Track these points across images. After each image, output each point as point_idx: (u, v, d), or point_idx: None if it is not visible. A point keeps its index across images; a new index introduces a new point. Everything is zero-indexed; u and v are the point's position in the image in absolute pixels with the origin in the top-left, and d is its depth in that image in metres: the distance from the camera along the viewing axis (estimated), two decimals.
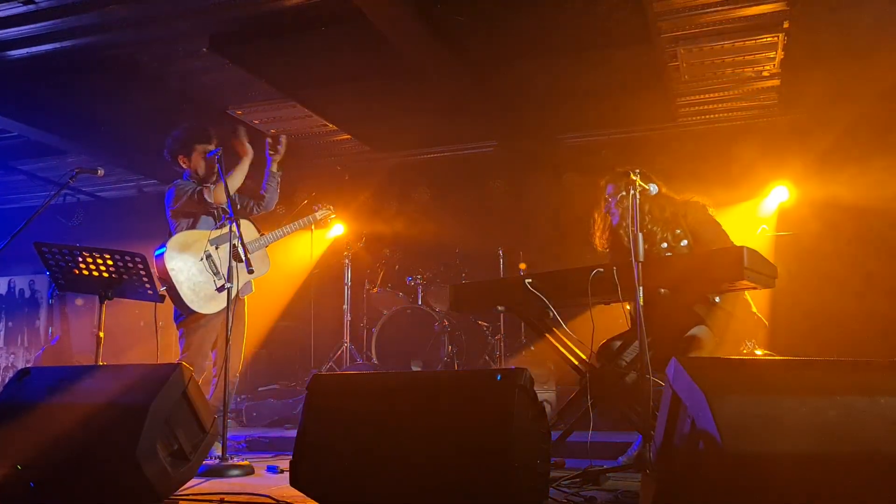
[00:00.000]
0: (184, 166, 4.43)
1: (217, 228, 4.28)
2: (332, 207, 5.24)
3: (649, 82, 6.18)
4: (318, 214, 5.12)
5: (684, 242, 3.75)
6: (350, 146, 7.84)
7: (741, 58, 5.77)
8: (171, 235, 4.27)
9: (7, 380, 8.79)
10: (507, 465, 2.26)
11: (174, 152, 4.44)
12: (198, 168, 4.38)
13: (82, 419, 2.84)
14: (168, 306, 4.23)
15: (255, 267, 3.93)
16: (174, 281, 4.08)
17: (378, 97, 6.54)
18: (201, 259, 4.20)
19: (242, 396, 6.63)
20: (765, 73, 6.08)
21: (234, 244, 3.89)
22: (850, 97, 6.38)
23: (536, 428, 2.48)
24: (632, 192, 3.20)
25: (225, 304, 3.93)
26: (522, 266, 6.69)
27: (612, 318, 4.11)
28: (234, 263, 3.90)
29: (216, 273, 4.21)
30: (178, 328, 4.27)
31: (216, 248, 4.25)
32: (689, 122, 7.09)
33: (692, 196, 3.94)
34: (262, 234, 4.51)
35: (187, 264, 4.14)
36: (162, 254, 4.12)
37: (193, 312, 4.12)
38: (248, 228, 4.38)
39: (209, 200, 4.22)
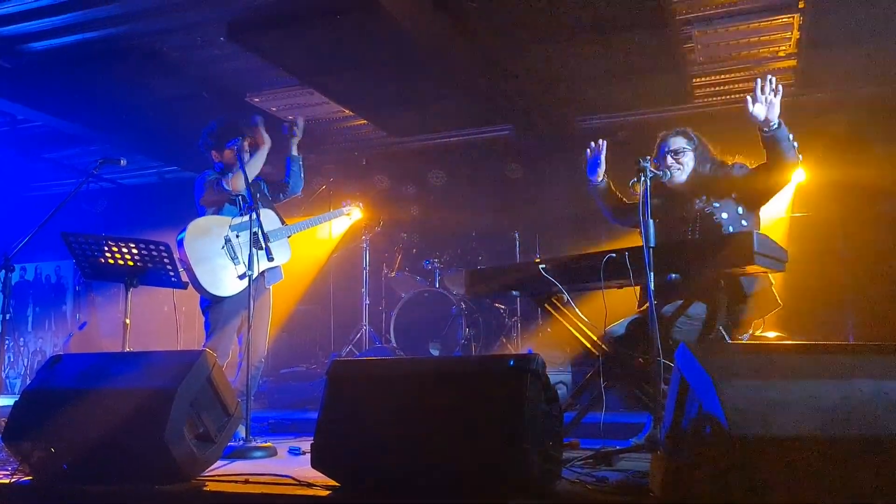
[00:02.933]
0: (216, 159, 4.57)
1: (240, 216, 4.38)
2: (360, 205, 5.36)
3: (665, 64, 6.18)
4: (345, 209, 5.24)
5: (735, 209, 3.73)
6: (367, 131, 7.91)
7: (756, 39, 5.75)
8: None
9: (36, 364, 9.04)
10: (519, 448, 2.34)
11: (208, 146, 4.57)
12: (229, 161, 4.48)
13: (112, 403, 2.95)
14: (192, 294, 4.36)
15: (274, 255, 4.05)
16: (191, 263, 4.20)
17: (394, 83, 6.58)
18: (221, 245, 4.31)
19: (264, 379, 6.76)
20: (780, 54, 6.06)
21: (255, 232, 4.00)
22: (868, 77, 6.34)
23: (549, 411, 2.55)
24: (643, 179, 3.24)
25: (242, 288, 4.07)
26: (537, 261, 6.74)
27: (624, 301, 4.15)
28: (254, 251, 4.00)
29: (234, 258, 4.32)
30: (202, 313, 4.40)
31: (237, 235, 4.36)
32: (705, 104, 7.07)
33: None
34: (284, 224, 4.60)
35: (206, 248, 4.26)
36: (182, 238, 4.24)
37: (212, 295, 4.25)
38: (269, 217, 4.47)
39: (227, 189, 4.34)
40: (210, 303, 4.33)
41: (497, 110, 7.27)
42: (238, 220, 4.38)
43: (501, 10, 5.29)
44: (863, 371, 2.30)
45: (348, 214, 5.33)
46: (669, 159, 3.80)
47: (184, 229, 4.29)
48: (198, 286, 4.25)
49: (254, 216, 4.00)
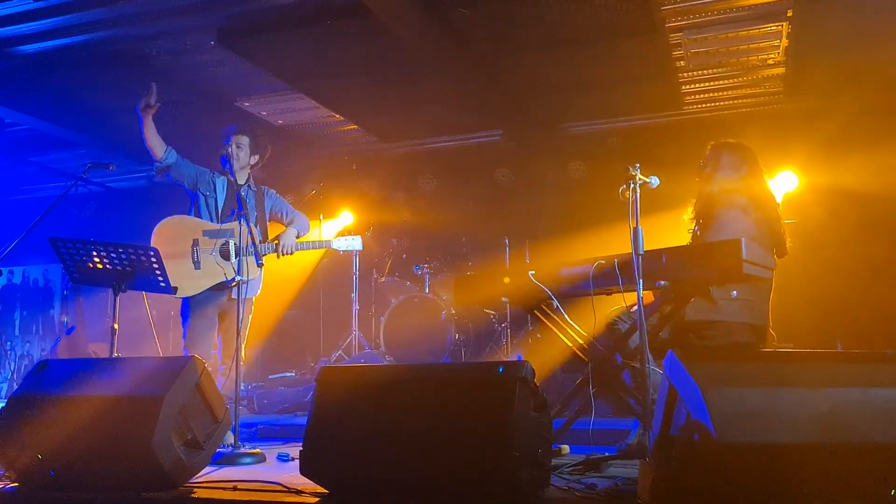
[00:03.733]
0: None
1: (223, 222, 4.39)
2: (359, 238, 4.93)
3: (654, 71, 6.22)
4: (335, 244, 4.88)
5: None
6: (357, 136, 7.90)
7: (745, 46, 5.79)
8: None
9: (24, 368, 8.95)
10: (507, 455, 2.34)
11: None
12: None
13: (100, 410, 2.94)
14: (168, 297, 4.35)
15: (241, 271, 4.07)
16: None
17: (384, 88, 6.59)
18: (189, 245, 4.35)
19: (253, 384, 6.75)
20: (769, 62, 6.10)
21: (227, 243, 4.01)
22: (856, 84, 6.39)
23: (538, 418, 2.56)
24: (632, 186, 3.26)
25: (196, 291, 4.19)
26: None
27: (613, 306, 4.17)
28: (243, 258, 4.03)
29: (196, 263, 4.34)
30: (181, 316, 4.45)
31: (208, 238, 4.38)
32: (695, 110, 7.11)
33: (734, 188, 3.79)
34: (267, 241, 4.58)
35: (172, 247, 4.27)
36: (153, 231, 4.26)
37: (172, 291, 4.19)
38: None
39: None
40: (184, 304, 4.37)
41: (487, 116, 7.28)
42: (214, 226, 4.40)
43: (492, 17, 5.31)
44: (850, 379, 2.32)
45: (345, 251, 4.99)
46: None
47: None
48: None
49: (243, 222, 4.00)
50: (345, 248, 4.84)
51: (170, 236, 4.28)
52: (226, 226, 4.43)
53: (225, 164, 4.33)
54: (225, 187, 4.60)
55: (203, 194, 4.55)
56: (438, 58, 5.81)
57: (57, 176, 8.68)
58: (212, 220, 4.49)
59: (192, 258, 4.34)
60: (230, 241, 4.38)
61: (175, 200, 8.71)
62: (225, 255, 4.36)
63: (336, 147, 8.16)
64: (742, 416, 2.18)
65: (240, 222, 4.02)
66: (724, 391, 2.22)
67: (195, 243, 4.36)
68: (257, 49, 5.75)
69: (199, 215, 4.52)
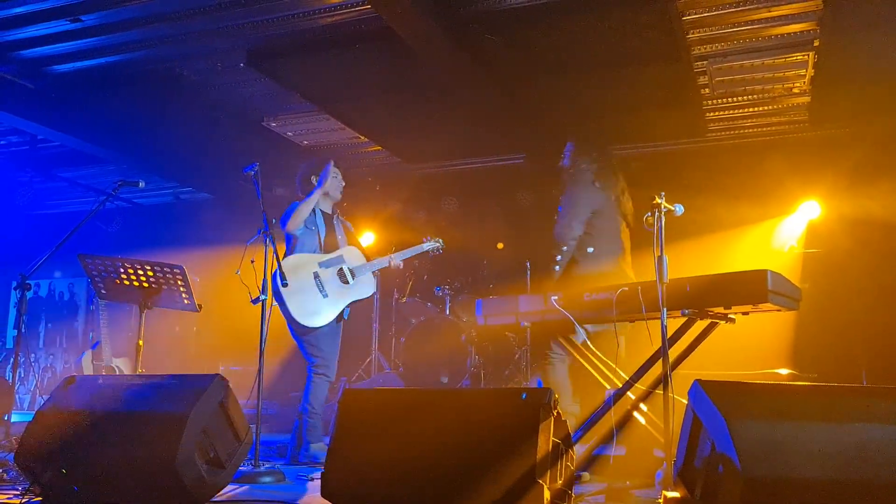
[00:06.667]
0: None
1: (323, 253, 4.72)
2: (440, 240, 5.49)
3: (679, 98, 6.22)
4: (426, 246, 5.42)
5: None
6: (381, 157, 7.97)
7: (771, 75, 5.78)
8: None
9: (47, 381, 9.04)
10: (531, 483, 2.34)
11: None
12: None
13: (125, 426, 2.97)
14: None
15: (358, 290, 4.70)
16: (284, 297, 4.41)
17: (409, 110, 6.65)
18: (312, 280, 4.58)
19: (273, 402, 6.77)
20: (795, 90, 6.09)
21: (347, 266, 4.49)
22: (881, 113, 6.36)
23: (560, 445, 2.56)
24: (657, 214, 3.25)
25: (332, 318, 4.56)
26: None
27: (637, 334, 4.16)
28: (351, 280, 4.63)
29: (322, 291, 4.59)
30: (297, 338, 4.64)
31: (325, 269, 4.65)
32: (719, 137, 7.10)
33: None
34: (368, 261, 4.92)
35: (299, 284, 4.48)
36: (274, 274, 4.33)
37: (303, 327, 4.51)
38: (353, 254, 4.87)
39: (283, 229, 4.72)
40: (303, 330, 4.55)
41: (510, 139, 7.32)
42: (326, 256, 4.69)
43: (517, 42, 5.35)
44: (876, 415, 2.29)
45: (430, 251, 5.46)
46: None
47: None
48: (291, 319, 4.49)
49: (268, 242, 4.06)
50: (431, 249, 5.43)
51: (295, 276, 4.47)
52: (335, 254, 4.76)
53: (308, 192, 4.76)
54: (321, 218, 4.86)
55: (309, 228, 4.75)
56: (463, 81, 5.86)
57: (85, 191, 8.82)
58: (316, 252, 4.71)
59: (319, 290, 4.58)
60: (343, 266, 4.73)
61: (199, 218, 8.86)
62: (343, 280, 4.69)
63: (360, 167, 8.23)
64: (768, 450, 2.16)
65: (265, 243, 4.07)
66: (750, 424, 2.21)
67: (315, 276, 4.60)
68: (285, 71, 5.83)
69: (302, 251, 4.70)
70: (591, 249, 4.58)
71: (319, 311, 4.55)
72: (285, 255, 4.64)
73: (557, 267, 4.62)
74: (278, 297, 4.41)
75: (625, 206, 4.84)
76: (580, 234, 4.60)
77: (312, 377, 4.66)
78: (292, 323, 4.53)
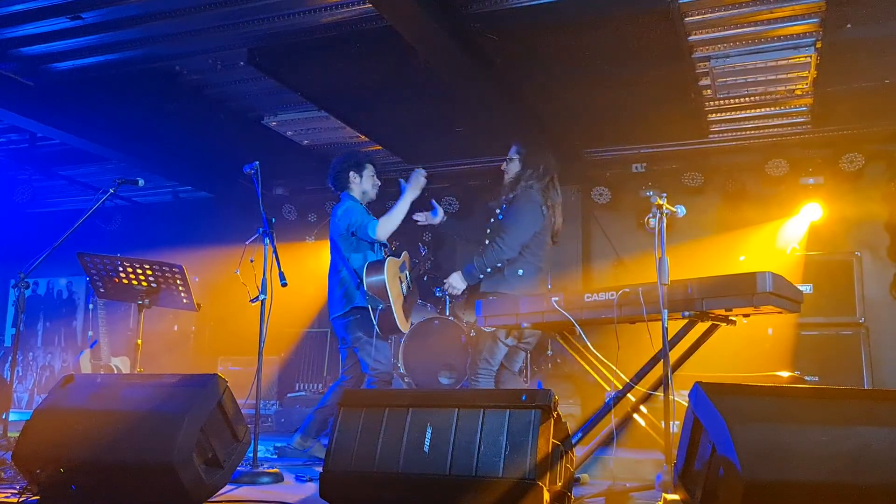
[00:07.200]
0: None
1: (392, 256, 4.68)
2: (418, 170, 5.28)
3: (680, 99, 6.20)
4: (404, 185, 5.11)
5: None
6: (381, 157, 7.94)
7: (773, 77, 5.77)
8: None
9: (45, 379, 9.01)
10: (529, 484, 2.32)
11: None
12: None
13: (122, 425, 2.96)
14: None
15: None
16: (392, 303, 4.38)
17: (409, 110, 6.63)
18: (399, 283, 4.60)
19: (272, 402, 6.75)
20: (797, 92, 6.07)
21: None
22: (884, 114, 6.35)
23: (560, 447, 2.54)
24: (658, 215, 3.24)
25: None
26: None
27: (637, 335, 4.14)
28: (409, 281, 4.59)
29: (404, 295, 4.64)
30: (368, 345, 4.49)
31: (402, 273, 4.69)
32: (720, 139, 7.08)
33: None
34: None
35: (397, 291, 4.49)
36: (382, 280, 4.35)
37: (401, 332, 4.52)
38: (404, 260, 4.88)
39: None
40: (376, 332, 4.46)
41: (510, 139, 7.28)
42: (400, 260, 4.70)
43: (517, 42, 5.34)
44: (878, 418, 2.28)
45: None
46: None
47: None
48: (391, 324, 4.42)
49: (267, 241, 4.04)
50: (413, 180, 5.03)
51: (393, 282, 4.47)
52: (401, 258, 4.77)
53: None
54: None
55: None
56: (464, 81, 5.84)
57: (84, 190, 8.80)
58: (379, 255, 4.64)
59: (404, 295, 4.63)
60: (405, 272, 4.76)
61: (199, 216, 8.83)
62: (403, 283, 4.72)
63: None
64: (769, 453, 2.15)
65: (265, 243, 4.05)
66: (751, 427, 2.20)
67: (400, 281, 4.63)
68: (285, 69, 5.82)
69: (369, 255, 4.61)
70: (520, 272, 4.50)
71: (408, 315, 4.64)
72: (363, 260, 4.51)
73: (482, 276, 4.51)
74: (375, 302, 4.33)
75: (556, 224, 4.75)
76: (515, 255, 4.52)
77: (371, 385, 4.55)
78: (386, 330, 4.42)
